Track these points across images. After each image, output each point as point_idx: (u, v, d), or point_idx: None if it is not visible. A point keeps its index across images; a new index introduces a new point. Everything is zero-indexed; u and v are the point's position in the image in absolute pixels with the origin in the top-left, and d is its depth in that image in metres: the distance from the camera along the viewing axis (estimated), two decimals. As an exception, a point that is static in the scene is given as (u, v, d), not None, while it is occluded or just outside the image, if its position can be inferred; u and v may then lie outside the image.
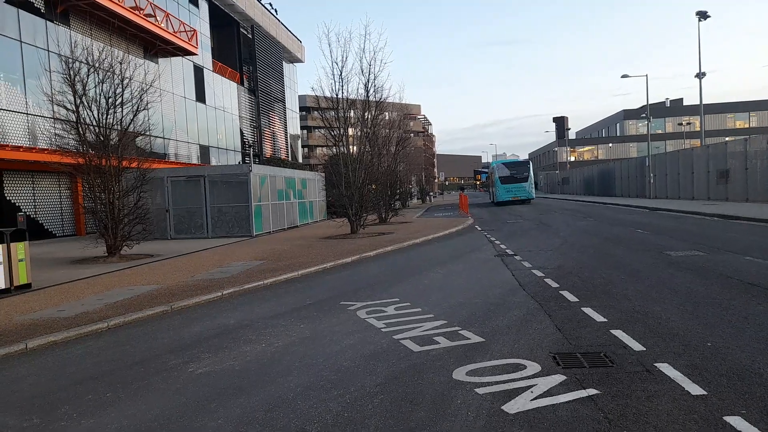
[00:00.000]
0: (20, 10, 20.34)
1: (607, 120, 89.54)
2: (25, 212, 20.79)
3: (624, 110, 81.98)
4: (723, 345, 5.04)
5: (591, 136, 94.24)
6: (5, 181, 20.73)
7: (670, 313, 6.30)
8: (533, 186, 40.06)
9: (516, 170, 39.42)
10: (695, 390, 4.04)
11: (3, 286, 9.91)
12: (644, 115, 42.89)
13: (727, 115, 76.18)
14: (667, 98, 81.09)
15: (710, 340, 5.22)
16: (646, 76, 40.82)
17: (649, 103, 41.77)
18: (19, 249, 10.21)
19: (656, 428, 3.50)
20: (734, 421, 3.53)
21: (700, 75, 31.91)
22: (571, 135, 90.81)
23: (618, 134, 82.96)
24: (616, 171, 46.61)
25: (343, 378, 4.81)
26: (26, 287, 10.39)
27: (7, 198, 20.78)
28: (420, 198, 61.57)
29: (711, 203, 26.18)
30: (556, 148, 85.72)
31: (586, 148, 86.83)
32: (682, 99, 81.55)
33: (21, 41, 20.31)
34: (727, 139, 39.12)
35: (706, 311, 6.28)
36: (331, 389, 4.55)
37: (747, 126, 74.66)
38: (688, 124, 69.57)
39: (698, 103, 32.95)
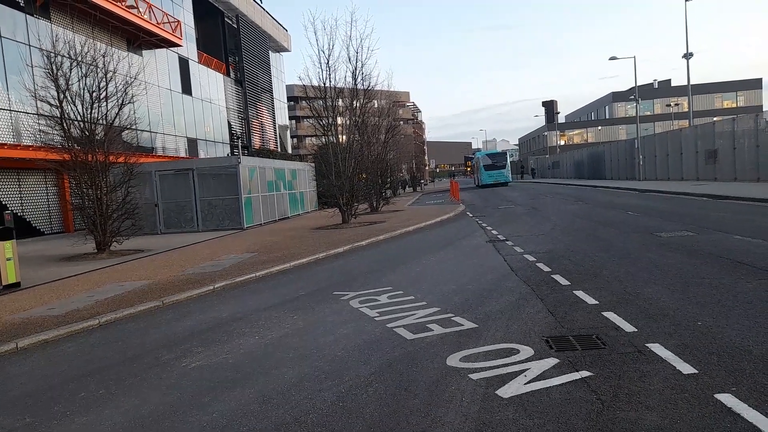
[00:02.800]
0: (-1, 5, 19.93)
1: (596, 103, 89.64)
2: (11, 210, 20.53)
3: (612, 93, 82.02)
4: (713, 324, 5.09)
5: (580, 119, 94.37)
6: (-9, 180, 20.45)
7: (660, 293, 6.35)
8: (510, 172, 50.38)
9: (496, 160, 49.03)
10: (686, 369, 4.08)
11: (-8, 286, 9.81)
12: (633, 97, 42.97)
13: (715, 95, 76.39)
14: (655, 79, 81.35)
15: (700, 319, 5.26)
16: (634, 57, 40.79)
17: (638, 84, 41.84)
18: (7, 248, 10.10)
19: (648, 408, 3.53)
20: (725, 398, 3.56)
21: (688, 56, 31.96)
22: (561, 119, 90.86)
23: (607, 117, 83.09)
24: (605, 154, 46.72)
25: (337, 368, 4.81)
26: (15, 286, 10.30)
27: (-7, 196, 20.50)
28: (411, 186, 61.50)
29: (700, 183, 26.36)
30: (545, 133, 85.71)
31: (576, 131, 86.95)
32: (670, 80, 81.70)
33: (1, 36, 19.93)
34: (715, 119, 39.32)
35: (696, 291, 6.33)
36: (326, 379, 4.55)
37: (735, 106, 74.94)
38: (677, 105, 69.77)
39: (686, 83, 33.04)
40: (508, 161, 50.46)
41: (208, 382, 4.79)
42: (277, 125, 49.18)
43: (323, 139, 20.84)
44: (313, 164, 30.99)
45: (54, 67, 13.93)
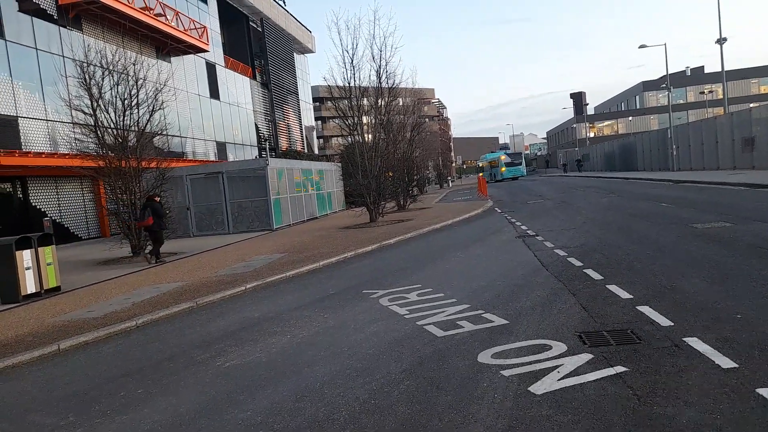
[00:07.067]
0: (34, 18, 20.64)
1: (626, 93, 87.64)
2: (50, 217, 21.25)
3: (643, 82, 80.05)
4: (753, 316, 4.93)
5: (610, 110, 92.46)
6: (30, 188, 21.19)
7: (697, 286, 6.19)
8: (525, 168, 64.30)
9: (514, 158, 62.83)
10: (726, 363, 3.97)
11: (33, 290, 10.17)
12: (664, 85, 41.90)
13: (750, 80, 73.83)
14: (687, 66, 79.00)
15: (740, 311, 5.11)
16: (665, 45, 39.62)
17: (669, 72, 40.74)
18: (47, 253, 10.45)
19: (686, 403, 3.45)
20: (767, 392, 3.46)
21: (721, 41, 30.97)
22: (589, 110, 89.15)
23: (638, 107, 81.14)
24: (637, 145, 45.70)
25: (368, 365, 4.83)
26: (56, 290, 10.65)
27: (33, 204, 21.24)
28: (438, 183, 61.62)
29: (736, 172, 25.55)
30: (574, 125, 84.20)
31: (606, 122, 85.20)
32: (703, 67, 79.32)
33: (36, 48, 20.63)
34: (751, 105, 38.01)
35: (734, 283, 6.15)
36: (357, 377, 4.58)
37: (772, 91, 72.36)
38: (710, 92, 67.77)
39: (720, 69, 32.04)
40: (523, 159, 65.91)
41: (242, 380, 4.87)
42: (303, 126, 49.61)
43: (349, 139, 20.95)
44: (339, 164, 31.15)
45: (87, 77, 14.34)
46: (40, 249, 10.28)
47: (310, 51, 53.22)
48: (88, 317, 8.05)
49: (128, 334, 7.22)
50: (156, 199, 14.19)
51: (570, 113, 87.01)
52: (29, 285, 10.10)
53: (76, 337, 6.96)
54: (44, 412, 4.75)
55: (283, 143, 43.88)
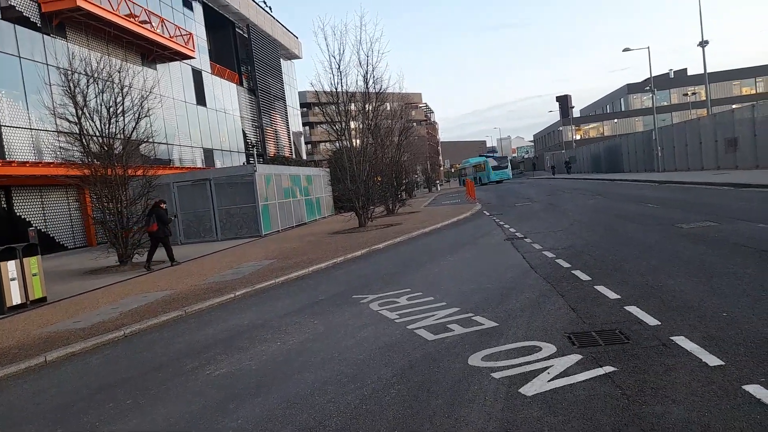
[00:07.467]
0: (17, 26, 20.42)
1: (611, 95, 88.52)
2: (35, 227, 20.97)
3: (627, 84, 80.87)
4: (739, 314, 5.00)
5: (595, 113, 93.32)
6: (14, 197, 20.91)
7: (684, 286, 6.25)
8: (510, 171, 67.22)
9: (500, 161, 65.56)
10: (713, 361, 4.01)
11: (19, 301, 10.04)
12: (648, 88, 42.43)
13: (732, 82, 74.89)
14: (670, 69, 79.97)
15: (726, 310, 5.17)
16: (648, 48, 40.14)
17: (653, 75, 41.24)
18: (32, 264, 10.32)
19: (675, 401, 3.48)
20: (753, 389, 3.50)
21: (703, 43, 31.46)
22: (576, 113, 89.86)
23: (623, 109, 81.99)
24: (622, 147, 46.16)
25: (359, 371, 4.82)
26: (41, 301, 10.52)
27: (17, 214, 20.96)
28: (426, 186, 61.84)
29: (720, 172, 25.90)
30: (560, 128, 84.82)
31: (592, 125, 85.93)
32: (686, 69, 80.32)
33: (20, 57, 20.41)
34: (734, 106, 38.58)
35: (720, 282, 6.22)
36: (348, 383, 4.57)
37: (754, 92, 73.35)
38: (694, 94, 68.61)
39: (702, 72, 32.49)
40: (509, 163, 69.18)
41: (232, 388, 4.84)
42: (291, 132, 49.50)
43: (337, 144, 20.96)
44: (328, 169, 31.13)
45: (71, 85, 14.23)
46: (25, 259, 10.15)
47: (297, 57, 53.20)
48: (74, 328, 7.96)
49: (116, 344, 7.15)
50: (162, 205, 14.47)
51: (556, 116, 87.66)
52: (14, 296, 9.96)
53: (63, 348, 6.88)
54: (32, 424, 4.68)
55: (271, 149, 43.75)
